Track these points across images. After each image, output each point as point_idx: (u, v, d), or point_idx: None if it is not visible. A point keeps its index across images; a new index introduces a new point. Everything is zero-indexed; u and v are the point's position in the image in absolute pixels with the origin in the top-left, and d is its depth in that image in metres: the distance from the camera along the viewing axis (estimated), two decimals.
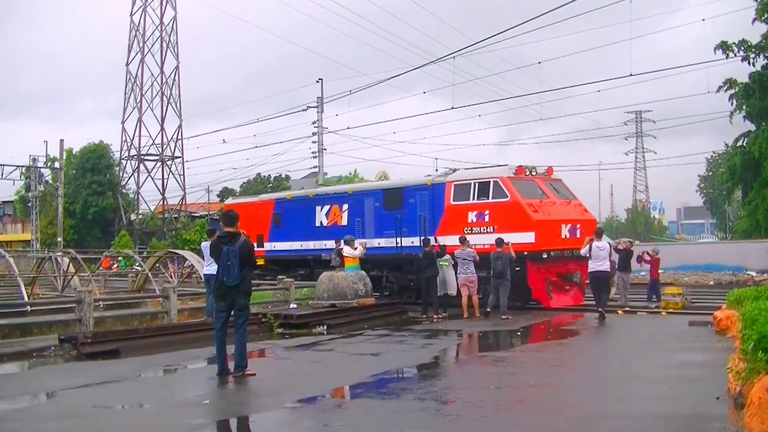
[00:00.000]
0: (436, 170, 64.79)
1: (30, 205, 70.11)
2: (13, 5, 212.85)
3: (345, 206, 30.12)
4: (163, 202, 75.88)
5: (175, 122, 73.90)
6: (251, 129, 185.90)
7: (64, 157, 65.79)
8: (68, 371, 14.24)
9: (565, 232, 24.43)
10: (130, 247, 61.18)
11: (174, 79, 73.45)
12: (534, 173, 26.27)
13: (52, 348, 15.90)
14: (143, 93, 72.34)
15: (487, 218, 24.90)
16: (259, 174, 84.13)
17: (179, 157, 74.44)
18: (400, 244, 27.05)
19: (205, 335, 16.55)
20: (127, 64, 73.54)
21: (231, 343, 12.50)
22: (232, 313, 12.55)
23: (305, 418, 9.73)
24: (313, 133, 51.75)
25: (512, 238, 23.19)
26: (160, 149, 73.70)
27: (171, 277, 31.95)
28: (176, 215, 75.59)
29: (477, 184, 25.49)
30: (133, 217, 75.69)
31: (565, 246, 24.00)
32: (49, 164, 67.03)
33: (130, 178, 75.80)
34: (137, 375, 13.44)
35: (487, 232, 24.53)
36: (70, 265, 29.31)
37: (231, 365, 12.40)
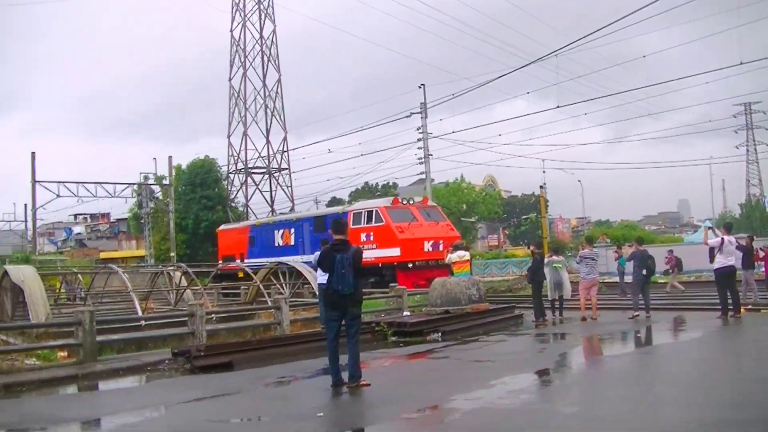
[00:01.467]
0: (543, 172, 64.48)
1: (142, 221, 71.34)
2: (120, 33, 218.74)
3: (292, 230, 40.65)
4: (272, 214, 76.34)
5: (280, 134, 74.38)
6: (356, 137, 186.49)
7: (173, 174, 66.82)
8: (182, 385, 14.16)
9: (428, 246, 32.04)
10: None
11: (276, 92, 73.90)
12: (411, 202, 35.41)
13: (166, 361, 15.82)
14: (247, 107, 72.92)
15: (372, 238, 33.58)
16: (366, 182, 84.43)
17: (286, 168, 74.88)
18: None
19: (317, 346, 16.35)
20: (230, 79, 74.23)
21: (344, 352, 12.22)
22: (344, 322, 12.28)
23: (423, 429, 9.41)
24: (418, 139, 51.46)
25: (386, 252, 30.93)
26: (266, 162, 74.23)
27: (282, 288, 31.90)
28: None
29: (366, 213, 34.94)
30: None
31: (428, 257, 30.90)
32: (158, 181, 68.20)
33: (238, 191, 76.42)
34: (251, 388, 13.22)
35: (372, 249, 32.42)
36: (182, 278, 29.52)
37: (345, 375, 12.11)
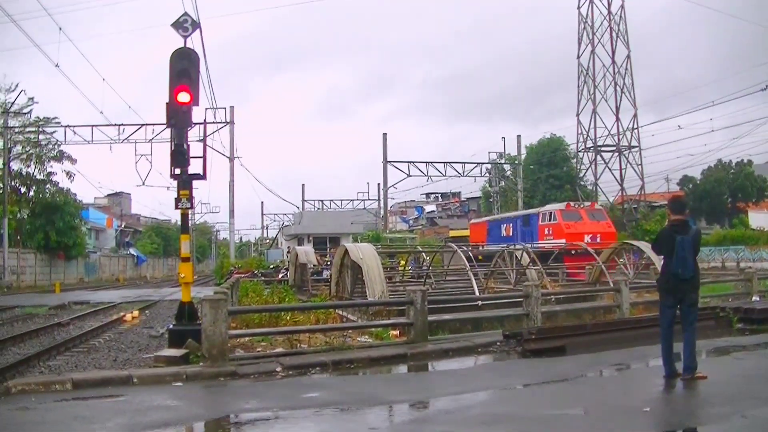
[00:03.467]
0: None
1: (491, 200, 72.22)
2: (480, 21, 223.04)
3: (510, 225, 53.28)
4: (622, 193, 74.82)
5: (630, 111, 72.64)
6: (709, 113, 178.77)
7: (522, 153, 67.31)
8: (509, 369, 13.88)
9: (587, 239, 39.99)
10: None
11: (626, 68, 72.17)
12: (580, 206, 47.63)
13: (497, 344, 15.53)
14: (596, 84, 71.78)
15: (550, 231, 45.39)
16: (719, 160, 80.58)
17: (636, 146, 73.05)
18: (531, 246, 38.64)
19: (656, 331, 15.41)
20: (578, 57, 73.32)
21: (679, 340, 11.29)
22: (680, 308, 11.38)
23: None
24: None
25: (557, 242, 38.03)
26: (615, 139, 72.81)
27: (627, 269, 30.93)
28: (635, 206, 74.33)
29: (548, 213, 47.55)
30: None
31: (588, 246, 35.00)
32: (510, 160, 68.85)
33: (587, 170, 75.60)
34: (579, 375, 12.64)
35: (549, 239, 42.67)
36: (524, 257, 29.22)
37: (680, 366, 11.19)
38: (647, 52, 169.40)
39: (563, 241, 38.42)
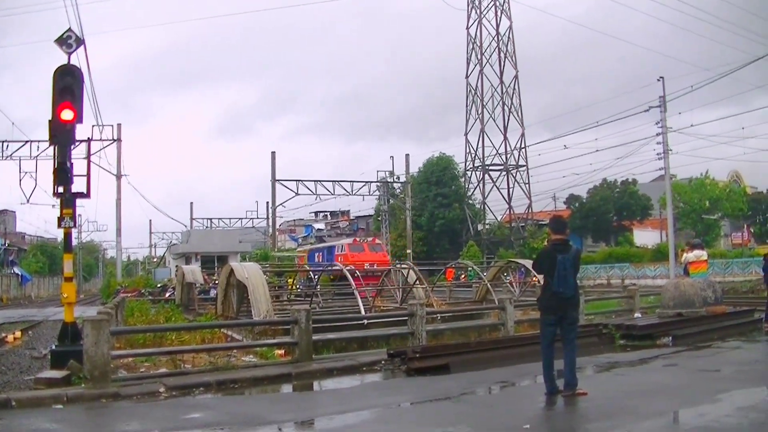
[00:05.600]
0: None
1: (380, 219, 72.56)
2: (383, 36, 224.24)
3: (321, 253, 63.98)
4: (510, 212, 75.88)
5: (518, 131, 73.80)
6: (593, 133, 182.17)
7: (410, 172, 67.72)
8: (393, 388, 13.91)
9: (366, 265, 47.33)
10: (477, 258, 61.79)
11: (514, 89, 73.33)
12: (364, 240, 59.62)
13: (382, 362, 15.50)
14: (484, 104, 72.77)
15: (342, 259, 53.05)
16: (605, 179, 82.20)
17: (523, 166, 74.20)
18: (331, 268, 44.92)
19: (539, 349, 15.61)
20: (467, 77, 74.37)
21: (560, 358, 11.44)
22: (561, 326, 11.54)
23: None
24: (657, 134, 49.55)
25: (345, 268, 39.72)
26: (503, 159, 73.83)
27: (513, 287, 31.30)
28: (523, 224, 75.44)
29: (341, 245, 58.95)
30: (480, 227, 76.31)
31: (364, 270, 40.89)
32: (395, 179, 69.32)
33: (475, 189, 76.53)
34: (462, 393, 12.64)
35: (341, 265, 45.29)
36: (410, 275, 29.35)
37: (561, 383, 11.33)
38: (548, 72, 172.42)
39: (351, 267, 43.77)
